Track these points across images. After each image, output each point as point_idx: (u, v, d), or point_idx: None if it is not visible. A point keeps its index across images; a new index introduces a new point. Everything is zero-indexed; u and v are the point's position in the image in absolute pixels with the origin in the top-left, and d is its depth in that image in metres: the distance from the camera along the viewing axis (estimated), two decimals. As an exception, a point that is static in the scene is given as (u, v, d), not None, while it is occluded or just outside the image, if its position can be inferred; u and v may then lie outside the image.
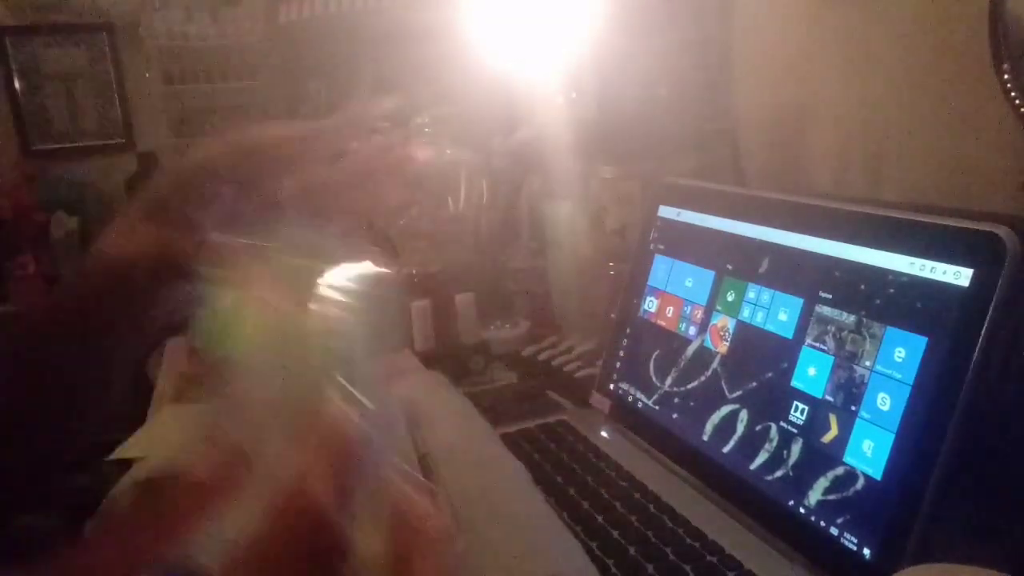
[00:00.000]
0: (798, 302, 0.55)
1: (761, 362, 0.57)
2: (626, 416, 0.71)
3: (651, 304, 0.71)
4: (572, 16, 0.94)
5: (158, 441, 0.77)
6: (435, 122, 1.12)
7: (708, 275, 0.65)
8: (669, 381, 0.66)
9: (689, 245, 0.69)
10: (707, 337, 0.63)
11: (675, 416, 0.64)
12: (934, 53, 0.70)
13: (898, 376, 0.47)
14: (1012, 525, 0.49)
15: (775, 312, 0.57)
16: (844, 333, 0.51)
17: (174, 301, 0.43)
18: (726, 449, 0.58)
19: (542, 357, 0.96)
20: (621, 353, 0.73)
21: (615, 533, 0.54)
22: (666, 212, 0.72)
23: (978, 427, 0.44)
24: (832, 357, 0.52)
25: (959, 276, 0.45)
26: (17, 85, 3.05)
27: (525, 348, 0.98)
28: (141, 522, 0.28)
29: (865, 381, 0.49)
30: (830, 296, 0.53)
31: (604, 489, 0.60)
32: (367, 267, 0.28)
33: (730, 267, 0.63)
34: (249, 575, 0.23)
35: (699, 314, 0.65)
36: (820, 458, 0.51)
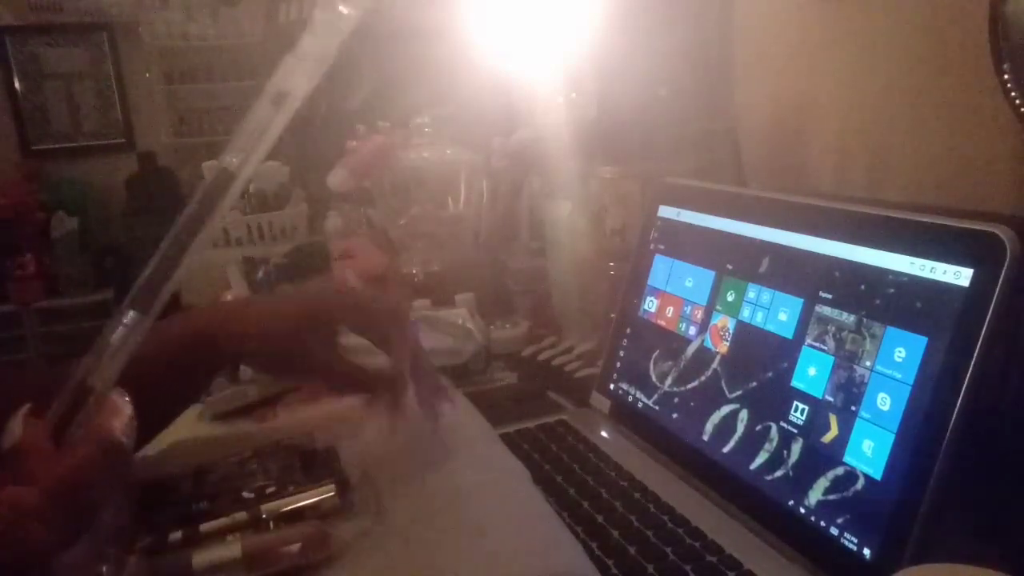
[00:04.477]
0: (798, 302, 0.55)
1: (761, 362, 0.57)
2: (626, 416, 0.71)
3: (651, 304, 0.71)
4: (572, 16, 0.94)
5: (158, 442, 0.77)
6: (435, 122, 1.12)
7: (708, 275, 0.65)
8: (669, 381, 0.66)
9: (689, 245, 0.69)
10: (707, 337, 0.63)
11: (675, 416, 0.64)
12: (934, 52, 0.70)
13: (898, 376, 0.47)
14: (1012, 525, 0.49)
15: (775, 312, 0.57)
16: (844, 333, 0.51)
17: None
18: (726, 449, 0.58)
19: (542, 357, 0.96)
20: (621, 353, 0.73)
21: (615, 533, 0.54)
22: (666, 212, 0.72)
23: (978, 427, 0.44)
24: (832, 357, 0.52)
25: (959, 276, 0.45)
26: (17, 85, 3.05)
27: (525, 348, 0.98)
28: None
29: (865, 381, 0.49)
30: (830, 296, 0.53)
31: (604, 489, 0.60)
32: None
33: (730, 267, 0.63)
34: None
35: (699, 314, 0.65)
36: (820, 458, 0.51)
